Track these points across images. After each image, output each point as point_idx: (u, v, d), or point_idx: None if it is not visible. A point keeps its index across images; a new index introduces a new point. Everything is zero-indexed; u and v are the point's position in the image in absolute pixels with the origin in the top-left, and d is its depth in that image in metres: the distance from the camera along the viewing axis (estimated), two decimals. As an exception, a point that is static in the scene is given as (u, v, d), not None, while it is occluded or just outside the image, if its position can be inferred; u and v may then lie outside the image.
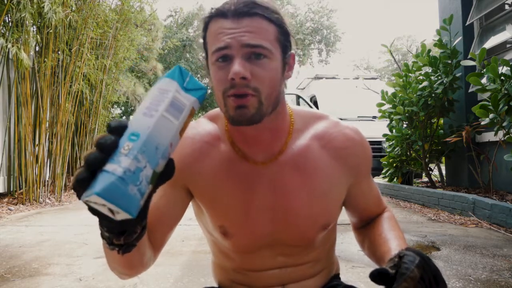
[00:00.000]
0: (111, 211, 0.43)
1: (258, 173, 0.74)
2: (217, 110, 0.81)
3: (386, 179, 5.72)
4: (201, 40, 0.71)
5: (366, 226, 0.85)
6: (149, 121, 0.44)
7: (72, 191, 6.09)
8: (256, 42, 0.63)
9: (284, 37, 0.68)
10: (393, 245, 0.69)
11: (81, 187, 0.43)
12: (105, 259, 0.66)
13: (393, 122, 5.29)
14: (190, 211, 0.79)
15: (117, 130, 0.43)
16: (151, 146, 0.44)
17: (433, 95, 4.53)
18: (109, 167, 0.42)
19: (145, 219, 0.52)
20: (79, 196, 0.44)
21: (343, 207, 0.83)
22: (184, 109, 0.48)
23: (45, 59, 5.07)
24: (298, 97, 8.86)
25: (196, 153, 0.75)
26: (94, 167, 0.42)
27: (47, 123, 5.29)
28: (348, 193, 0.79)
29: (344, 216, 0.87)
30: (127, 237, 0.52)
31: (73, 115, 5.80)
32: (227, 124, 0.77)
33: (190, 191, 0.76)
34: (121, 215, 0.43)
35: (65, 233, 3.26)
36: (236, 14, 0.64)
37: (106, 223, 0.49)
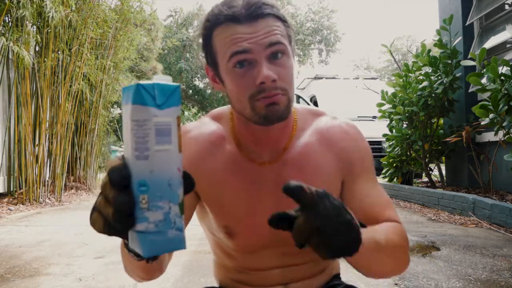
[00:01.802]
0: None
1: (262, 173, 0.74)
2: (220, 110, 0.81)
3: (386, 179, 5.72)
4: (202, 50, 0.70)
5: None
6: (146, 164, 0.41)
7: (72, 191, 6.10)
8: (276, 40, 0.64)
9: (289, 30, 0.69)
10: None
11: (117, 235, 0.44)
12: (123, 264, 0.67)
13: (393, 122, 5.29)
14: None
15: (123, 184, 0.41)
16: (164, 187, 0.42)
17: (433, 95, 4.53)
18: (140, 227, 0.42)
19: None
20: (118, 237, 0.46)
21: None
22: (171, 128, 0.43)
23: (45, 59, 5.07)
24: (298, 97, 8.86)
25: (200, 153, 0.75)
26: (125, 231, 0.43)
27: (47, 123, 5.29)
28: (344, 193, 0.76)
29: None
30: None
31: (73, 115, 5.80)
32: (232, 125, 0.77)
33: (197, 192, 0.76)
34: None
35: (65, 233, 3.26)
36: (250, 17, 0.63)
37: None
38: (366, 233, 0.54)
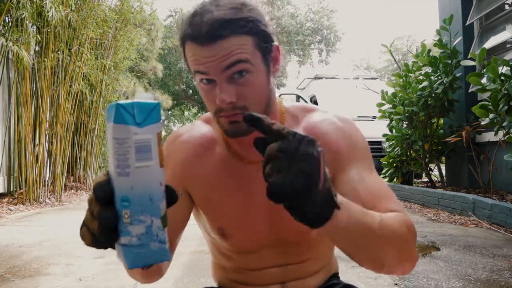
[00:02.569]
0: None
1: (253, 173, 0.74)
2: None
3: (386, 179, 5.72)
4: (183, 58, 0.71)
5: None
6: (127, 180, 0.43)
7: (72, 191, 6.10)
8: (235, 59, 0.62)
9: (262, 40, 0.65)
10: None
11: (107, 247, 0.47)
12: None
13: (393, 122, 5.29)
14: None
15: (107, 199, 0.43)
16: (145, 202, 0.44)
17: (433, 95, 4.53)
18: (124, 240, 0.44)
19: None
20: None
21: None
22: (151, 144, 0.44)
23: (45, 59, 5.07)
24: (298, 97, 8.86)
25: (191, 157, 0.76)
26: (110, 244, 0.46)
27: (47, 123, 5.29)
28: (336, 184, 0.71)
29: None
30: None
31: (73, 115, 5.80)
32: None
33: (190, 195, 0.77)
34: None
35: (65, 233, 3.26)
36: (208, 39, 0.61)
37: None
38: (348, 204, 0.51)
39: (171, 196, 0.47)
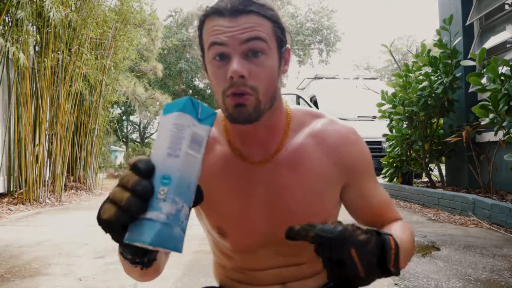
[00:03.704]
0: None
1: (254, 173, 0.74)
2: None
3: (386, 179, 5.72)
4: (197, 39, 0.71)
5: None
6: (176, 161, 0.45)
7: (72, 191, 6.10)
8: (253, 35, 0.64)
9: (280, 32, 0.68)
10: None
11: (120, 231, 0.45)
12: (122, 267, 0.69)
13: (393, 122, 5.29)
14: (191, 212, 0.79)
15: (148, 173, 0.44)
16: (184, 186, 0.45)
17: (433, 95, 4.53)
18: (151, 214, 0.43)
19: None
20: (117, 239, 0.46)
21: (349, 214, 0.82)
22: (203, 141, 0.49)
23: (45, 59, 5.07)
24: (298, 97, 8.86)
25: None
26: (136, 214, 0.43)
27: (47, 123, 5.29)
28: (347, 195, 0.78)
29: (343, 216, 0.86)
30: (150, 255, 0.55)
31: (73, 115, 5.80)
32: (225, 124, 0.77)
33: None
34: (166, 249, 0.45)
35: (65, 233, 3.26)
36: (232, 12, 0.64)
37: (132, 251, 0.51)
38: (400, 241, 0.59)
39: (198, 195, 0.49)
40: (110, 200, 0.45)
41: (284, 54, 0.71)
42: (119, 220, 0.44)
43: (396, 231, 0.69)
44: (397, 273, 0.53)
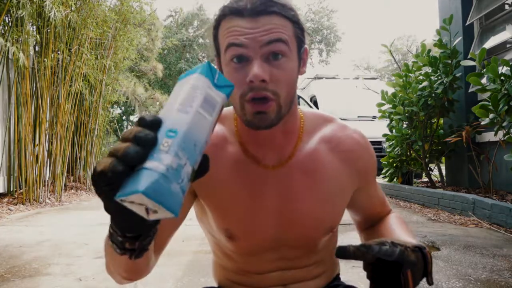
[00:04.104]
0: (147, 210, 0.40)
1: (266, 176, 0.73)
2: (224, 110, 0.80)
3: (386, 179, 5.72)
4: (211, 40, 0.70)
5: (373, 227, 0.86)
6: (185, 117, 0.43)
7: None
8: (276, 37, 0.62)
9: (300, 33, 0.67)
10: (402, 235, 0.71)
11: (115, 182, 0.39)
12: (105, 262, 0.64)
13: (393, 122, 5.29)
14: (190, 212, 0.78)
15: (153, 125, 0.41)
16: (190, 143, 0.43)
17: (433, 95, 4.53)
18: (149, 164, 0.39)
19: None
20: (109, 194, 0.40)
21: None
22: (216, 105, 0.48)
23: (45, 59, 5.07)
24: (298, 97, 8.86)
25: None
26: (134, 162, 0.39)
27: (47, 123, 5.29)
28: (354, 197, 0.80)
29: (344, 216, 0.87)
30: (142, 241, 0.50)
31: (73, 115, 5.80)
32: (236, 125, 0.75)
33: (196, 193, 0.75)
34: (159, 215, 0.40)
35: (65, 233, 3.26)
36: (252, 12, 0.61)
37: (124, 225, 0.47)
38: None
39: (204, 164, 0.46)
40: (108, 153, 0.41)
41: (302, 55, 0.69)
42: (115, 169, 0.38)
43: (403, 231, 0.74)
44: (432, 283, 0.57)
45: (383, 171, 5.77)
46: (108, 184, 0.40)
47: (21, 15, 4.46)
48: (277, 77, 0.63)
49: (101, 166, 0.40)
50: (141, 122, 0.41)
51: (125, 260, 0.53)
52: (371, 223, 0.87)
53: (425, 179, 6.17)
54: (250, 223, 0.73)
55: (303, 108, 0.80)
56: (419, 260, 0.53)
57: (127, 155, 0.38)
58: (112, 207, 0.43)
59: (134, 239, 0.49)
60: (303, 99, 8.67)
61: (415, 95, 4.69)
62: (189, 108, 0.44)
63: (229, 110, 0.79)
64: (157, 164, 0.39)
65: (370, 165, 0.79)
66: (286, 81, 0.64)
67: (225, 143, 0.75)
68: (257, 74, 0.60)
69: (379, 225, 0.82)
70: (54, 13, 4.64)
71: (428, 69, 4.71)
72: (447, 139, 4.43)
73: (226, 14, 0.64)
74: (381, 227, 0.80)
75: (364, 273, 0.57)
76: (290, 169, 0.73)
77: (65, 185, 5.79)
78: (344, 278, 0.89)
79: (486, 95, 3.51)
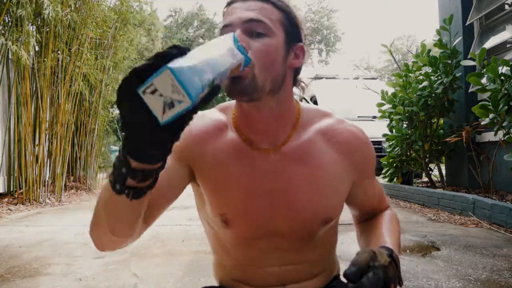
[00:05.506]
0: (164, 108, 0.44)
1: (260, 160, 0.75)
2: (228, 102, 0.83)
3: (386, 179, 5.72)
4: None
5: (366, 221, 0.87)
6: (213, 48, 0.54)
7: (72, 191, 6.10)
8: (257, 17, 0.68)
9: (289, 24, 0.71)
10: (385, 241, 0.73)
11: (146, 73, 0.44)
12: (92, 219, 0.64)
13: (393, 122, 5.29)
14: (190, 212, 0.78)
15: (183, 49, 0.47)
16: (214, 62, 0.50)
17: (433, 95, 4.53)
18: (177, 62, 0.45)
19: (177, 138, 0.50)
20: (133, 84, 0.44)
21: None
22: (237, 57, 0.56)
23: (45, 59, 5.07)
24: (302, 98, 8.87)
25: (204, 134, 0.77)
26: (168, 58, 0.44)
27: (47, 123, 5.29)
28: (351, 191, 0.81)
29: (344, 216, 0.87)
30: (144, 178, 0.53)
31: (73, 115, 5.80)
32: (235, 112, 0.79)
33: (193, 171, 0.77)
34: (175, 108, 0.44)
35: (65, 233, 3.25)
36: None
37: (136, 139, 0.49)
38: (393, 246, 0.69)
39: (215, 90, 0.49)
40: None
41: (294, 49, 0.73)
42: (152, 62, 0.44)
43: (390, 235, 0.76)
44: (402, 284, 0.65)
45: (383, 171, 5.76)
46: (137, 75, 0.44)
47: (21, 14, 4.46)
48: (256, 50, 0.67)
49: (142, 63, 0.45)
50: (173, 47, 0.47)
51: (119, 205, 0.56)
52: (367, 217, 0.89)
53: (425, 179, 6.17)
54: (244, 207, 0.75)
55: (302, 103, 0.82)
56: (395, 269, 0.61)
57: (161, 53, 0.45)
58: (130, 103, 0.46)
59: (138, 173, 0.52)
60: (305, 99, 8.67)
61: (415, 95, 4.69)
62: (219, 45, 0.55)
63: (231, 102, 0.82)
64: (183, 61, 0.45)
65: (368, 159, 0.81)
66: (264, 53, 0.68)
67: (225, 128, 0.78)
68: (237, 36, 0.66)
69: (370, 225, 0.84)
70: (50, 11, 4.62)
71: (428, 69, 4.71)
72: (447, 139, 4.43)
73: (229, 2, 0.73)
74: (371, 228, 0.82)
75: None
76: (283, 155, 0.75)
77: (65, 185, 5.79)
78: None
79: (486, 95, 3.51)
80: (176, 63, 0.44)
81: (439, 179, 5.24)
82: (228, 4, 0.73)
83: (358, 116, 7.35)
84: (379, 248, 0.63)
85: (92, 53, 6.12)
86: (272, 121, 0.74)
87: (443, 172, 5.18)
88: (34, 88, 5.14)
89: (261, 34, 0.68)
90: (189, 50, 0.47)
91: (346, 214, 0.93)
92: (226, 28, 0.69)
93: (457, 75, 4.43)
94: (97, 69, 6.29)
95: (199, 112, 0.80)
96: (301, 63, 0.75)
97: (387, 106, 5.25)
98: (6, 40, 4.47)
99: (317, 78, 9.65)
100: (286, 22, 0.71)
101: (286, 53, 0.71)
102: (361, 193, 0.83)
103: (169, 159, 0.81)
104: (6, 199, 4.79)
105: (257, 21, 0.68)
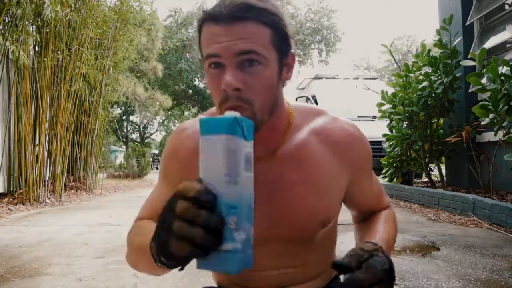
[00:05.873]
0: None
1: (255, 167, 0.74)
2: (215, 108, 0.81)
3: (386, 179, 5.72)
4: (197, 42, 0.70)
5: (363, 221, 0.87)
6: (237, 188, 0.46)
7: (72, 191, 6.10)
8: (249, 48, 0.61)
9: (280, 39, 0.65)
10: (374, 237, 0.73)
11: (200, 255, 0.46)
12: (128, 252, 0.69)
13: (393, 122, 5.29)
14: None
15: (213, 205, 0.45)
16: (247, 209, 0.48)
17: (433, 95, 4.53)
18: (228, 246, 0.45)
19: None
20: (187, 260, 0.47)
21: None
22: (251, 157, 0.50)
23: (45, 59, 5.07)
24: (307, 99, 8.87)
25: (193, 151, 0.75)
26: (214, 249, 0.45)
27: (47, 123, 5.30)
28: (348, 190, 0.79)
29: (344, 216, 0.87)
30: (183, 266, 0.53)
31: (73, 115, 5.80)
32: None
33: None
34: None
35: (65, 233, 3.26)
36: (227, 19, 0.61)
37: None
38: (386, 244, 0.69)
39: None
40: (177, 235, 0.45)
41: (286, 61, 0.68)
42: (197, 255, 0.45)
43: (383, 233, 0.75)
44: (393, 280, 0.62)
45: (383, 171, 5.77)
46: (185, 263, 0.48)
47: (20, 15, 4.46)
48: (251, 85, 0.62)
49: (179, 251, 0.45)
50: (206, 203, 0.44)
51: (151, 263, 0.55)
52: (366, 215, 0.88)
53: (425, 179, 6.17)
54: None
55: (295, 103, 0.80)
56: (388, 272, 0.58)
57: (207, 244, 0.44)
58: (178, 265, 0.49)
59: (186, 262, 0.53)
60: (311, 100, 8.68)
61: (415, 95, 4.69)
62: (238, 177, 0.46)
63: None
64: (234, 245, 0.45)
65: (363, 157, 0.78)
66: (261, 89, 0.64)
67: None
68: (228, 83, 0.61)
69: (365, 224, 0.84)
70: (49, 11, 4.62)
71: (428, 69, 4.71)
72: (447, 139, 4.43)
73: (204, 20, 0.64)
74: (365, 228, 0.82)
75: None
76: (278, 160, 0.74)
77: (65, 185, 5.79)
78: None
79: (486, 95, 3.51)
80: (231, 259, 0.45)
81: (439, 179, 5.24)
82: (204, 23, 0.64)
83: (358, 116, 7.35)
84: (360, 244, 0.64)
85: (92, 53, 6.12)
86: (266, 133, 0.72)
87: (443, 172, 5.18)
88: (34, 88, 5.14)
89: (254, 62, 0.62)
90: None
91: (346, 214, 0.93)
92: (212, 58, 0.62)
93: (457, 75, 4.43)
94: (97, 69, 6.29)
95: (186, 125, 0.82)
96: (293, 71, 0.72)
97: (387, 106, 5.25)
98: (5, 40, 4.47)
99: (317, 78, 9.66)
100: (276, 38, 0.64)
101: (280, 72, 0.67)
102: (358, 192, 0.81)
103: (163, 186, 0.80)
104: (6, 199, 4.79)
105: (249, 52, 0.61)
